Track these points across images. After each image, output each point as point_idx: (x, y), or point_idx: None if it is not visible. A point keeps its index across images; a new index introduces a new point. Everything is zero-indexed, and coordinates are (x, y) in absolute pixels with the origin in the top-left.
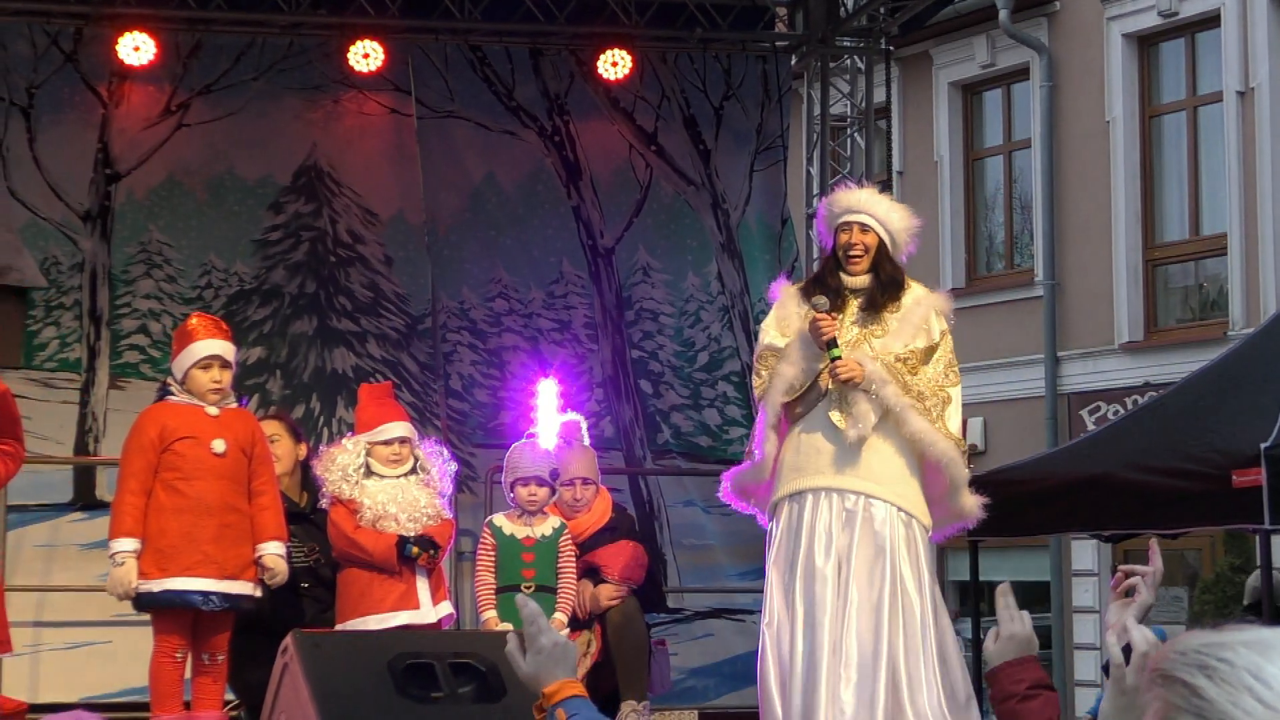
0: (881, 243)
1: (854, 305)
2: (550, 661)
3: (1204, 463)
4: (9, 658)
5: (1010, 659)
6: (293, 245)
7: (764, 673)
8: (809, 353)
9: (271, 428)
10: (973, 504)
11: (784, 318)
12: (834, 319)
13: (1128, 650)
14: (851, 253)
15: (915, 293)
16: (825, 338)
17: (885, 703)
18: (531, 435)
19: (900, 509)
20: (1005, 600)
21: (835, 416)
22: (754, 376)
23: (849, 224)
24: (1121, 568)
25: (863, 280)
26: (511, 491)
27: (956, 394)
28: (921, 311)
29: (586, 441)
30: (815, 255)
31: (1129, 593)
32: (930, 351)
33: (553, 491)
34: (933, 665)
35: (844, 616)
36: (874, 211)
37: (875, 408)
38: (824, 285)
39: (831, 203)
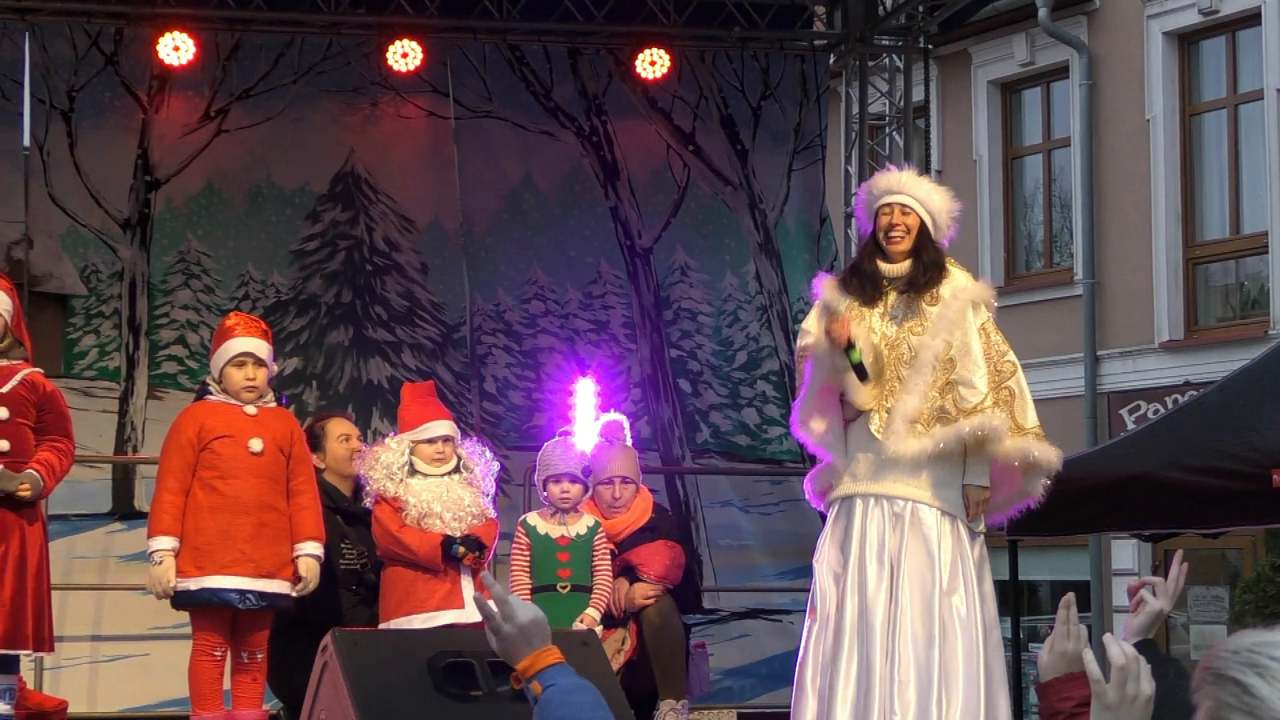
0: (923, 225)
1: (892, 295)
2: (522, 638)
3: (1244, 462)
4: (50, 669)
5: (1061, 675)
6: (329, 254)
7: (801, 672)
8: (831, 364)
9: (345, 426)
10: (1040, 485)
11: (829, 310)
12: (845, 319)
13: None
14: (893, 233)
15: (955, 283)
16: (840, 343)
17: (940, 709)
18: (565, 434)
19: (945, 512)
20: (1066, 613)
21: (874, 427)
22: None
23: (889, 205)
24: (1131, 584)
25: (902, 267)
26: (544, 490)
27: (1017, 384)
28: (959, 305)
29: (629, 441)
30: (854, 253)
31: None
32: (968, 346)
33: (585, 489)
34: (976, 677)
35: (896, 622)
36: (915, 192)
37: (921, 440)
38: (861, 273)
39: (871, 185)
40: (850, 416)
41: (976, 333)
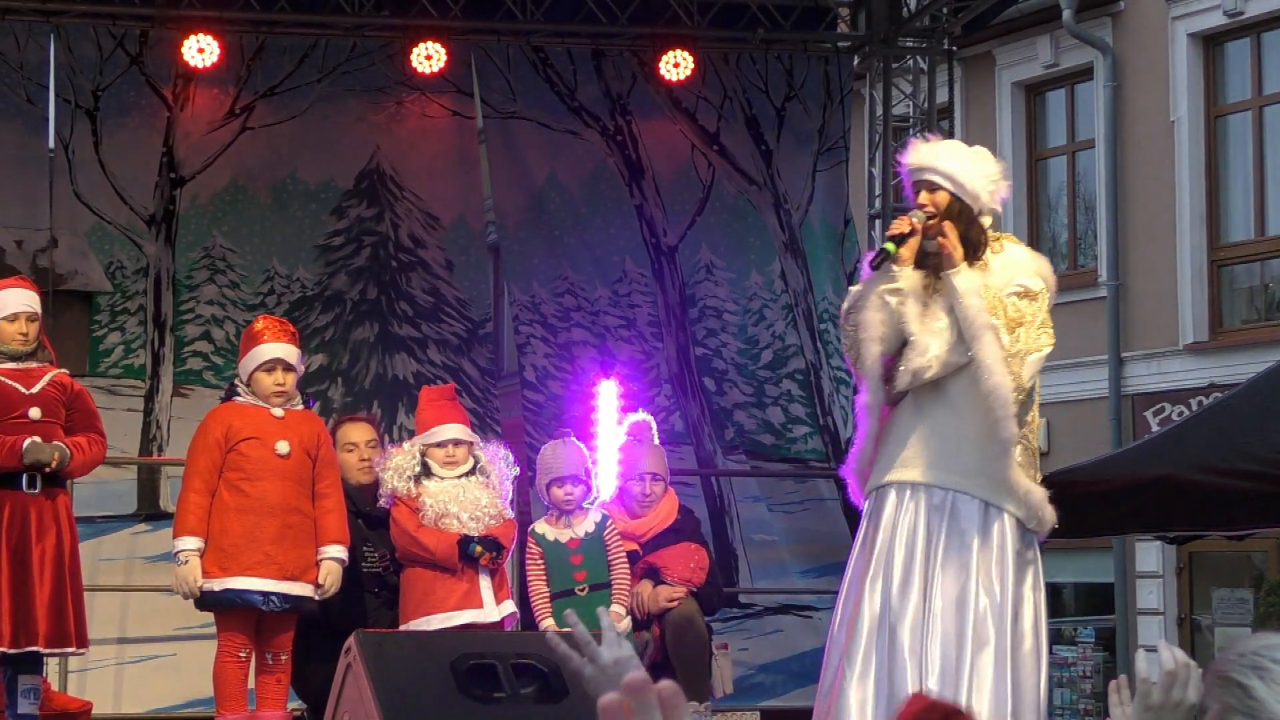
0: (955, 200)
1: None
2: (608, 682)
3: (1269, 464)
4: (76, 671)
5: None
6: (354, 250)
7: (825, 675)
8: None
9: (355, 433)
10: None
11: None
12: (914, 224)
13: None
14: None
15: (1008, 255)
16: (891, 231)
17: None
18: (563, 434)
19: (988, 503)
20: (1117, 695)
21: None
22: (842, 343)
23: (917, 184)
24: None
25: (935, 244)
26: (547, 493)
27: (1042, 355)
28: (1007, 276)
29: (656, 440)
30: None
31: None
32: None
33: (588, 490)
34: (1004, 673)
35: (926, 624)
36: (939, 166)
37: (944, 340)
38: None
39: (905, 160)
40: (891, 401)
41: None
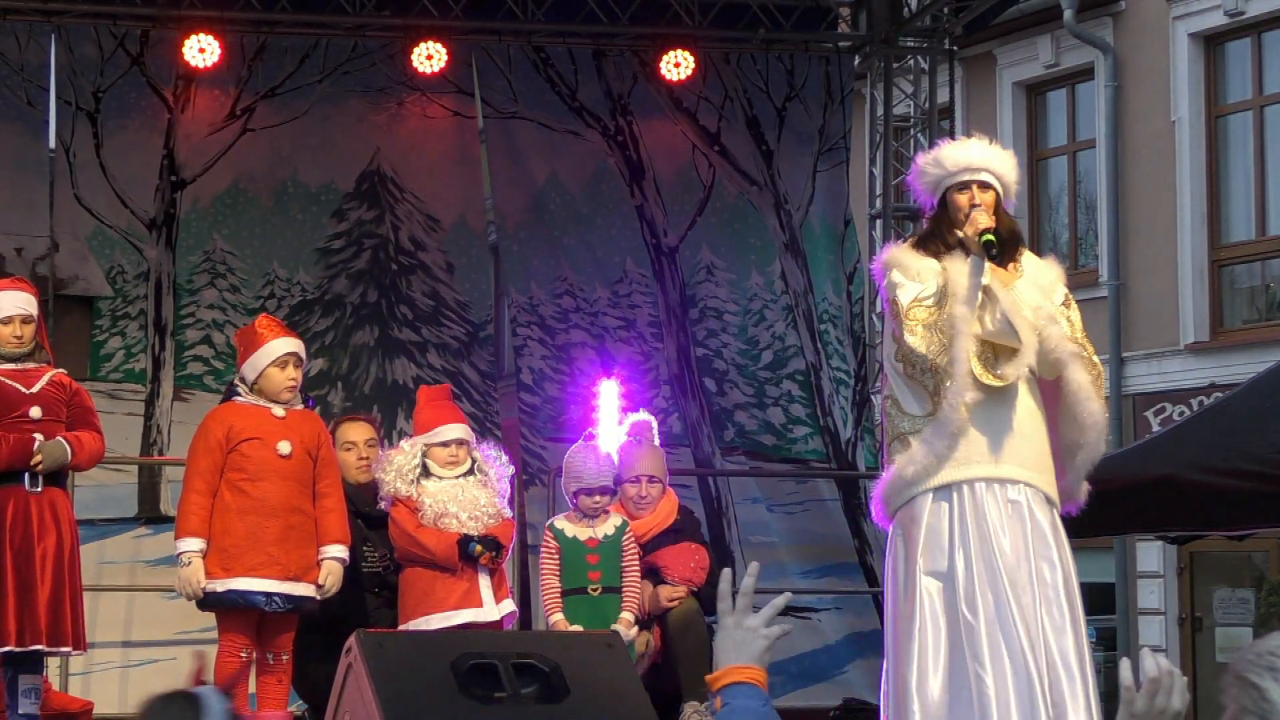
0: (998, 197)
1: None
2: (729, 644)
3: (1270, 464)
4: (79, 674)
5: None
6: (355, 253)
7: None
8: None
9: (353, 432)
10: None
11: (917, 270)
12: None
13: None
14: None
15: (1027, 256)
16: (987, 224)
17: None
18: (590, 437)
19: (1049, 499)
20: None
21: (979, 369)
22: (908, 339)
23: (968, 183)
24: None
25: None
26: (574, 498)
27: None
28: (1051, 275)
29: (656, 441)
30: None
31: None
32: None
33: (614, 495)
34: (1087, 660)
35: (1038, 613)
36: (993, 167)
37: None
38: (944, 241)
39: (942, 159)
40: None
41: (1061, 308)
